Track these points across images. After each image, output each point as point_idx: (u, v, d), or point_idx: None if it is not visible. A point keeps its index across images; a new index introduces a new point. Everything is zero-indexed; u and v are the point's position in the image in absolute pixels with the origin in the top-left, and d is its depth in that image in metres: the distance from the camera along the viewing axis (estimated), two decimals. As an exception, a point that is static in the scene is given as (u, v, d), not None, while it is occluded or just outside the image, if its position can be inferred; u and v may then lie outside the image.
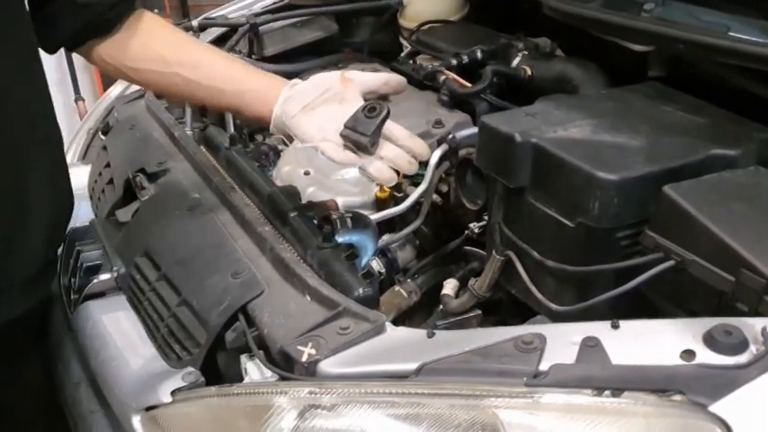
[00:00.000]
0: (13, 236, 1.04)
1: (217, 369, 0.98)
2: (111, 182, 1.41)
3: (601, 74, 1.35)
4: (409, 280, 1.24)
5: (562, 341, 0.76)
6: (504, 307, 1.18)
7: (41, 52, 1.11)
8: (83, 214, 1.42)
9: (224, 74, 1.11)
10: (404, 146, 1.03)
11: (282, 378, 0.85)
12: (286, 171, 1.39)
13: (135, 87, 1.72)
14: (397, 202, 1.27)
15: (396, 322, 1.14)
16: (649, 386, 0.69)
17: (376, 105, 0.99)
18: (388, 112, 1.00)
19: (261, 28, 1.74)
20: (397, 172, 1.03)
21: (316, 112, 1.04)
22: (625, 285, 0.88)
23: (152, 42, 1.12)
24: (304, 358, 0.83)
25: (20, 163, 1.03)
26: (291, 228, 1.07)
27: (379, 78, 1.09)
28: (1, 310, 1.08)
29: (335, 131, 1.01)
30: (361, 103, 1.03)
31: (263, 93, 1.08)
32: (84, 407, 1.08)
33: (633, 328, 0.76)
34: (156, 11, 3.76)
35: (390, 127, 1.02)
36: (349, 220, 1.10)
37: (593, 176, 0.91)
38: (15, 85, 1.01)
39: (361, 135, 0.98)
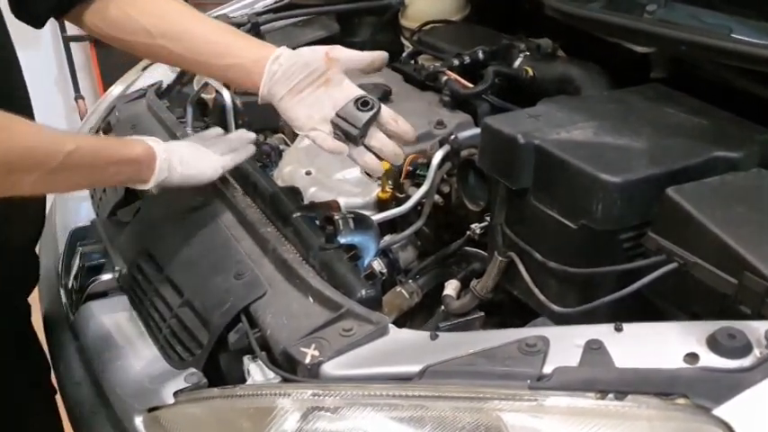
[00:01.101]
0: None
1: (219, 370, 0.98)
2: (112, 181, 1.41)
3: (603, 75, 1.35)
4: (411, 281, 1.24)
5: (566, 344, 0.76)
6: (505, 308, 1.18)
7: (41, 48, 1.11)
8: (84, 214, 1.42)
9: (207, 47, 1.09)
10: (389, 130, 1.05)
11: (285, 380, 0.85)
12: (288, 171, 1.39)
13: (136, 86, 1.72)
14: (399, 202, 1.27)
15: (397, 323, 1.13)
16: (653, 389, 0.70)
17: (369, 100, 1.02)
18: (380, 109, 1.03)
19: (262, 27, 1.73)
20: None
21: (303, 96, 1.04)
22: (628, 288, 0.88)
23: (135, 12, 1.10)
24: (307, 360, 0.83)
25: None
26: (294, 228, 1.07)
27: (364, 58, 1.08)
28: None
29: (323, 119, 1.03)
30: (346, 82, 1.06)
31: (247, 68, 1.06)
32: (86, 407, 1.07)
33: (636, 331, 0.77)
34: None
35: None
36: (351, 221, 1.10)
37: (596, 178, 0.91)
38: None
39: (352, 126, 1.01)
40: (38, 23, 1.12)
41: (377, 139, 1.04)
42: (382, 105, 1.04)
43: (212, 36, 1.10)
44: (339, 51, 1.06)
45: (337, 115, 1.02)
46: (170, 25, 1.10)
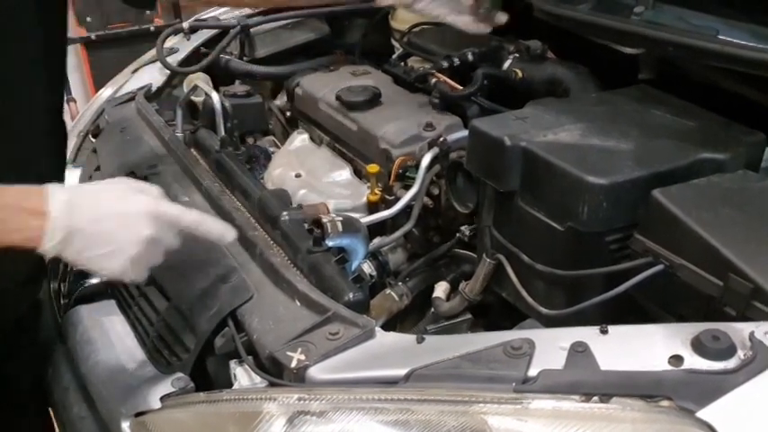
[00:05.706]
0: None
1: (206, 374, 0.98)
2: (101, 185, 1.40)
3: (591, 77, 1.35)
4: (400, 283, 1.23)
5: (551, 346, 0.76)
6: (494, 310, 1.18)
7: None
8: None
9: None
10: None
11: (272, 384, 0.85)
12: (277, 173, 1.39)
13: (126, 89, 1.71)
14: (388, 205, 1.27)
15: (387, 325, 1.14)
16: (637, 392, 0.70)
17: None
18: None
19: (252, 30, 1.73)
20: None
21: None
22: (614, 289, 0.88)
23: None
24: (293, 364, 0.83)
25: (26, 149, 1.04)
26: (282, 231, 1.07)
27: None
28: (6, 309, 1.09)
29: None
30: None
31: None
32: (74, 412, 1.07)
33: (622, 334, 0.77)
34: (147, 12, 3.76)
35: None
36: (339, 224, 1.10)
37: (582, 180, 0.91)
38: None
39: None
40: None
41: None
42: None
43: None
44: None
45: None
46: None
